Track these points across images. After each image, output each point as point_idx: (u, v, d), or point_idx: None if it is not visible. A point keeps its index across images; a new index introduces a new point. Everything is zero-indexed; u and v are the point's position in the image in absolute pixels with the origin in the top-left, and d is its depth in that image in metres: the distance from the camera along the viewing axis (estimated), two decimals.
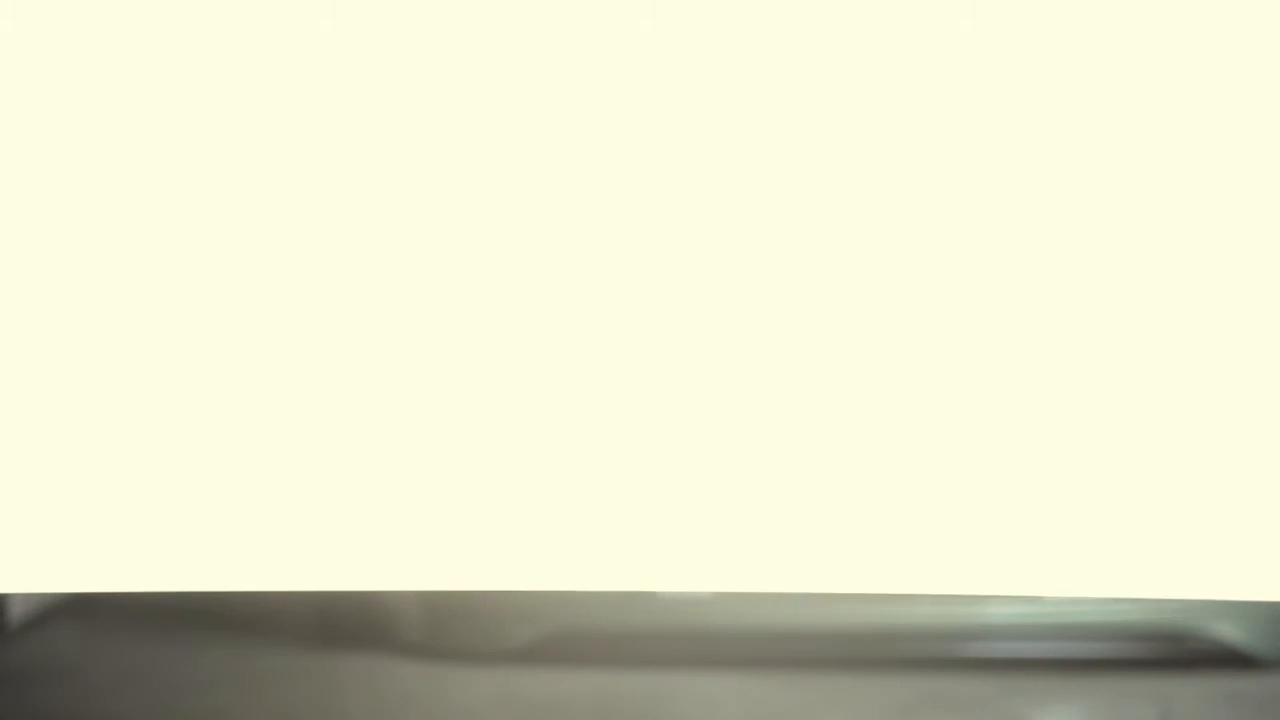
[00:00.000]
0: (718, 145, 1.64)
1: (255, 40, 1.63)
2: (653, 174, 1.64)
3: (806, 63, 1.63)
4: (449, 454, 1.67)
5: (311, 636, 3.55)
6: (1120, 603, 3.32)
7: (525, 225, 1.65)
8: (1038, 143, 1.65)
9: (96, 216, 1.64)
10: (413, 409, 1.67)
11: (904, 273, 1.67)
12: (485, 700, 3.14)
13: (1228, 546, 1.70)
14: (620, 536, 1.68)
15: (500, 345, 1.66)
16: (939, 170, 1.65)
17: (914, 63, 1.64)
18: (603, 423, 1.67)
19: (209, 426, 1.67)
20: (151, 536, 1.67)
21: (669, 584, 1.70)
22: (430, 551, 1.67)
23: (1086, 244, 1.66)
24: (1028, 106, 1.65)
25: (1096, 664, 3.35)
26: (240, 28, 1.62)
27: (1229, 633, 3.34)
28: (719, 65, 1.63)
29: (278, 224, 1.65)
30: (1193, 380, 1.68)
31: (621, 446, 1.67)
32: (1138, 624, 3.33)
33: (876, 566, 1.68)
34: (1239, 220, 1.66)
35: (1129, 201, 1.66)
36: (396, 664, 3.39)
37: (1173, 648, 3.35)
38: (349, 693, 3.23)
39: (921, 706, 3.08)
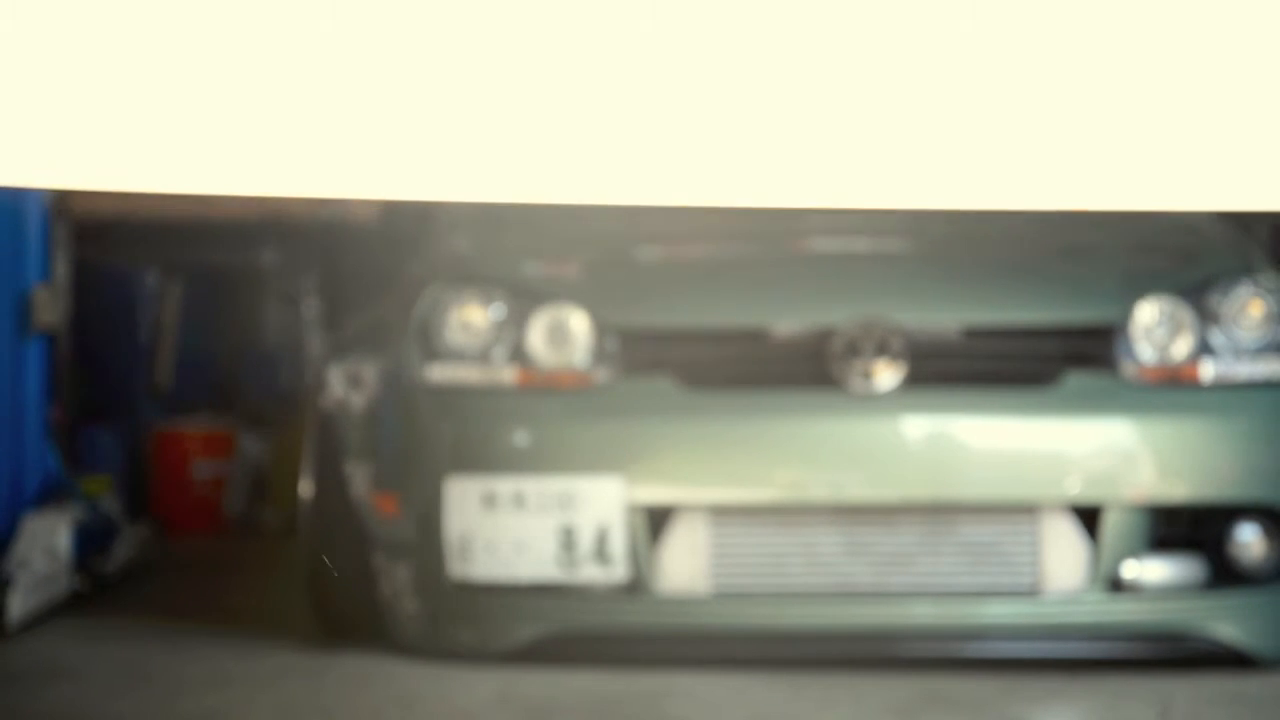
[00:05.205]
0: None
1: None
2: None
3: None
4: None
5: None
6: (1120, 603, 3.32)
7: None
8: None
9: None
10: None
11: None
12: (485, 701, 3.14)
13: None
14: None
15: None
16: None
17: None
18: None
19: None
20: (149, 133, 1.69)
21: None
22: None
23: None
24: None
25: (1096, 664, 3.35)
26: None
27: (1229, 633, 3.34)
28: None
29: None
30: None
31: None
32: (1138, 624, 3.33)
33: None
34: None
35: None
36: (397, 664, 3.40)
37: (1173, 648, 3.35)
38: (349, 693, 3.24)
39: (921, 706, 3.09)
